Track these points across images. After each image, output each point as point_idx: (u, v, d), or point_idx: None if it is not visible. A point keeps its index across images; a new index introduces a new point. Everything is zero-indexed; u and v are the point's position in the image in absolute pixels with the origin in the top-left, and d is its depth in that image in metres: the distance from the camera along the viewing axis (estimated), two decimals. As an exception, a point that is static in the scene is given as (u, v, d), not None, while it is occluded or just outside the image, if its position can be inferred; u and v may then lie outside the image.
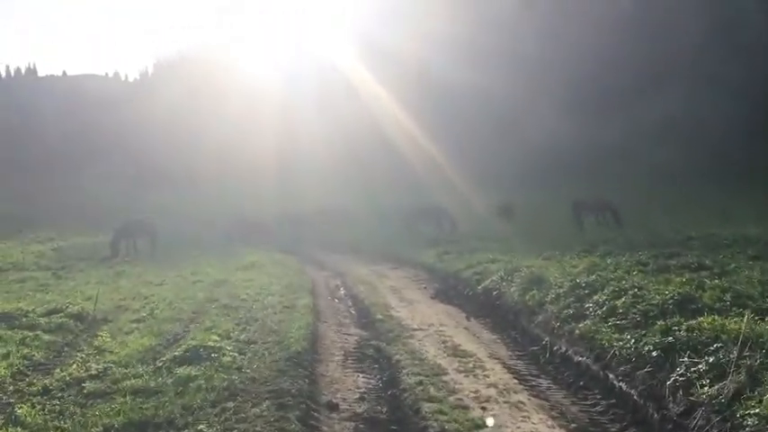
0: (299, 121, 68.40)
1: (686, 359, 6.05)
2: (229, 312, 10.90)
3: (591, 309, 8.47)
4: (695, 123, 65.00)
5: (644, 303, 7.65)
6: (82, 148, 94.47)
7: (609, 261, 11.39)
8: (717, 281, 8.51)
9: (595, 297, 8.70)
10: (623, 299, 8.09)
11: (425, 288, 14.47)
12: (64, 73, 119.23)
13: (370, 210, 38.23)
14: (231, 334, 8.87)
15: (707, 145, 60.77)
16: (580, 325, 8.19)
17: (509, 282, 11.69)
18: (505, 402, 6.30)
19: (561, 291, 9.57)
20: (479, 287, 12.57)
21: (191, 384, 6.36)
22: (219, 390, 6.16)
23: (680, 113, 66.29)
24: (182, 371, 6.80)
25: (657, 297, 7.68)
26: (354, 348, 9.05)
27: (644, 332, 6.98)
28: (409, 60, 68.66)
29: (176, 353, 7.54)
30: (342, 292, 14.74)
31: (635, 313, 7.53)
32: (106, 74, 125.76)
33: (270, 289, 13.55)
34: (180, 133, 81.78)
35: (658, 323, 6.97)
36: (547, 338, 8.89)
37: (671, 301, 7.40)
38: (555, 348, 8.39)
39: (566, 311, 8.85)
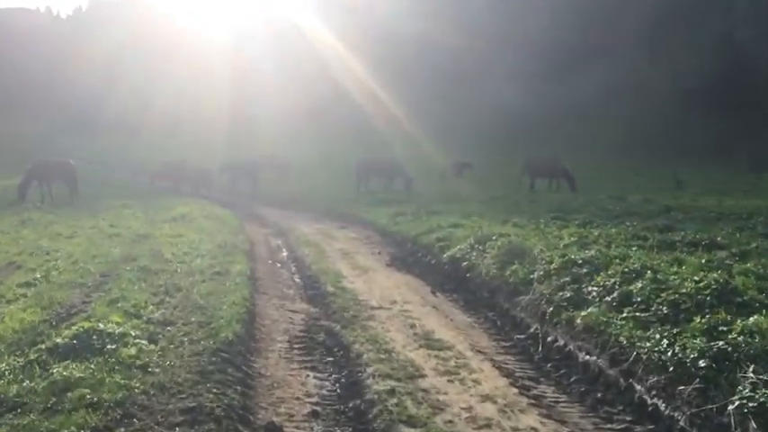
0: (253, 73, 65.22)
1: (751, 374, 4.53)
2: (147, 277, 8.90)
3: (595, 293, 6.91)
4: (642, 93, 65.38)
5: (670, 291, 6.11)
6: (4, 86, 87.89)
7: (596, 233, 9.89)
8: (744, 264, 7.10)
9: (598, 279, 7.14)
10: (639, 283, 6.55)
11: (379, 253, 12.74)
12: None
13: (320, 163, 36.20)
14: (143, 310, 6.91)
15: (651, 115, 61.29)
16: (582, 313, 6.62)
17: (481, 252, 10.07)
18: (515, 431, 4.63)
19: (551, 267, 7.98)
20: (444, 256, 10.91)
21: (69, 395, 4.44)
22: (108, 407, 4.26)
23: (626, 82, 66.54)
24: (60, 370, 4.85)
25: (687, 285, 6.14)
26: (301, 331, 7.26)
27: (677, 330, 5.44)
28: (367, 14, 66.03)
29: (60, 339, 5.56)
30: (284, 254, 12.87)
31: (660, 304, 5.98)
32: (37, 8, 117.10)
33: (200, 248, 11.54)
34: (120, 80, 76.83)
35: (696, 320, 5.44)
36: (536, 325, 7.32)
37: (707, 291, 5.87)
38: (549, 340, 6.83)
39: (560, 294, 7.28)
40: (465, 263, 10.13)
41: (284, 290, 9.48)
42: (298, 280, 10.29)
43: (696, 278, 6.28)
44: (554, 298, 7.35)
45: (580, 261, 7.78)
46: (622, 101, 65.02)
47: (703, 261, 7.24)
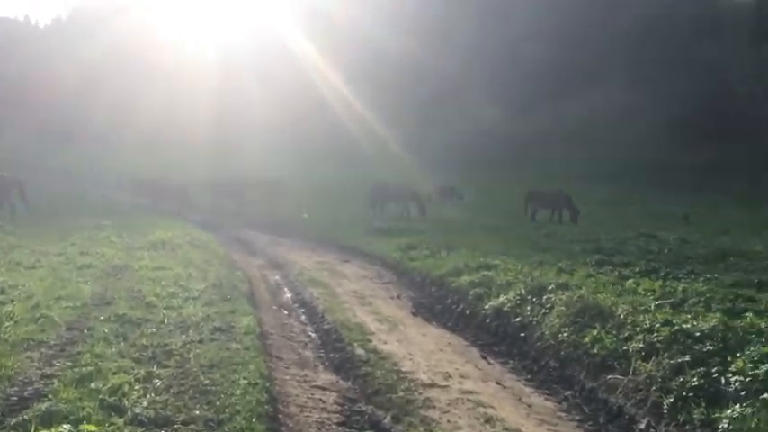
0: (237, 89, 63.33)
1: None
2: (127, 333, 6.97)
3: (739, 385, 5.17)
4: (627, 120, 64.98)
5: None
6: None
7: (679, 287, 8.18)
8: None
9: (738, 363, 5.39)
10: (813, 379, 4.82)
11: (399, 297, 10.92)
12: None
13: (305, 184, 34.28)
14: (125, 398, 4.98)
15: (624, 146, 60.75)
16: (727, 412, 4.89)
17: (537, 306, 8.31)
18: None
19: (655, 339, 6.23)
20: (487, 306, 9.12)
21: None
22: None
23: (611, 109, 66.21)
24: None
25: None
26: (339, 424, 5.38)
27: None
28: (353, 31, 64.90)
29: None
30: (288, 296, 10.94)
31: None
32: (16, 17, 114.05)
33: (189, 287, 9.59)
34: (100, 92, 74.26)
35: None
36: (647, 420, 5.55)
37: None
38: (681, 448, 5.06)
39: (680, 379, 5.53)
40: (517, 318, 8.35)
41: (301, 351, 7.58)
42: (313, 335, 8.39)
43: None
44: (671, 385, 5.59)
45: (698, 334, 6.04)
46: (607, 128, 64.55)
47: None
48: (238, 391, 5.29)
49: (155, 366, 5.90)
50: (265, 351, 6.92)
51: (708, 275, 9.21)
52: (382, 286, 11.86)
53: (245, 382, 5.50)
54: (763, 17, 69.50)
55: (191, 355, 6.29)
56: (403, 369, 6.74)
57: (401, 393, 6.02)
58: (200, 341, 6.80)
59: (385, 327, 8.63)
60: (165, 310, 8.13)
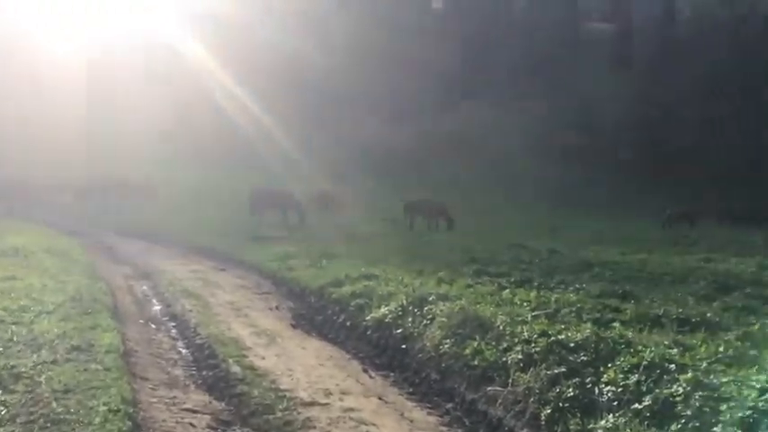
0: (120, 91, 59.40)
1: None
2: (-34, 355, 6.14)
3: (611, 395, 5.33)
4: (488, 139, 68.16)
5: (732, 405, 4.63)
6: None
7: (552, 298, 8.44)
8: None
9: (609, 374, 5.56)
10: (678, 387, 5.04)
11: (277, 308, 10.54)
12: None
13: (191, 189, 32.74)
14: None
15: (495, 160, 63.80)
16: (602, 423, 5.02)
17: (418, 317, 8.26)
18: None
19: (533, 350, 6.33)
20: (368, 318, 8.97)
21: None
22: None
23: (476, 128, 69.16)
24: None
25: (746, 393, 4.71)
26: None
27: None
28: (245, 30, 63.18)
29: None
30: (157, 308, 10.24)
31: (727, 425, 4.48)
32: None
33: (44, 301, 8.72)
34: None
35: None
36: (525, 431, 5.61)
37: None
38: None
39: (556, 390, 5.63)
40: (399, 330, 8.27)
41: (170, 369, 7.03)
42: (184, 351, 7.84)
43: (753, 383, 4.88)
44: (548, 396, 5.68)
45: (572, 345, 6.20)
46: (479, 141, 67.23)
47: (721, 349, 5.93)
48: (97, 420, 4.75)
49: (0, 392, 5.21)
50: (129, 371, 6.35)
51: (577, 285, 9.60)
52: (260, 297, 11.42)
53: (105, 408, 4.96)
54: (622, 43, 75.56)
55: (42, 378, 5.63)
56: (282, 386, 6.41)
57: (279, 414, 5.70)
58: (54, 362, 6.11)
59: (263, 341, 8.25)
60: (13, 327, 7.31)
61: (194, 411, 5.79)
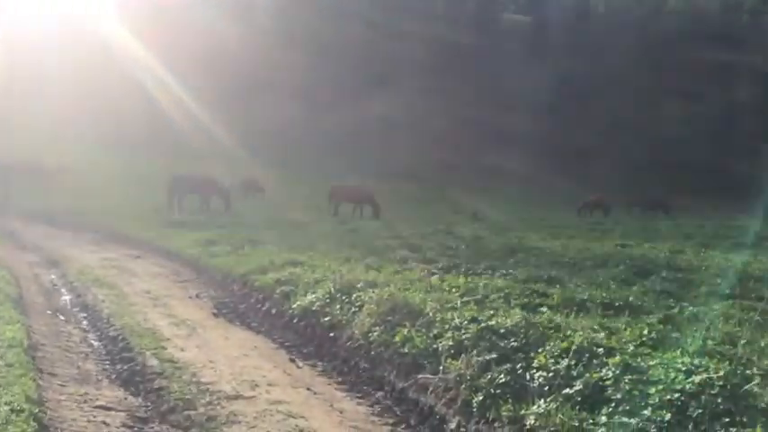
0: (42, 77, 55.81)
1: None
2: None
3: (543, 380, 5.31)
4: (423, 124, 68.78)
5: (660, 388, 4.68)
6: None
7: (481, 284, 8.42)
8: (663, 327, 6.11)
9: (539, 358, 5.55)
10: (608, 371, 5.07)
11: (198, 296, 10.11)
12: None
13: (114, 173, 31.17)
14: None
15: (418, 147, 64.53)
16: (533, 408, 5.00)
17: (347, 304, 8.07)
18: None
19: (463, 336, 6.27)
20: (294, 306, 8.70)
21: None
22: None
23: (400, 116, 69.65)
24: None
25: (674, 376, 4.78)
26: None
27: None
28: (172, 12, 60.83)
29: None
30: (66, 298, 9.61)
31: (654, 407, 4.52)
32: None
33: (-63, 291, 7.97)
34: None
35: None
36: (458, 419, 5.54)
37: (714, 390, 4.53)
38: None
39: (488, 376, 5.57)
40: (326, 318, 8.04)
41: (81, 364, 6.55)
42: (97, 344, 7.34)
43: (679, 365, 4.96)
44: (479, 383, 5.61)
45: (502, 331, 6.16)
46: (403, 129, 67.64)
47: (645, 332, 6.04)
48: (-4, 422, 4.31)
49: None
50: (35, 367, 5.85)
51: (503, 271, 9.65)
52: (179, 285, 10.93)
53: (7, 408, 4.51)
54: (538, 35, 77.71)
55: (-68, 377, 5.07)
56: (203, 380, 6.07)
57: (201, 409, 5.37)
58: (-52, 358, 5.55)
59: (182, 331, 7.84)
60: None
61: (108, 409, 5.38)
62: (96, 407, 5.38)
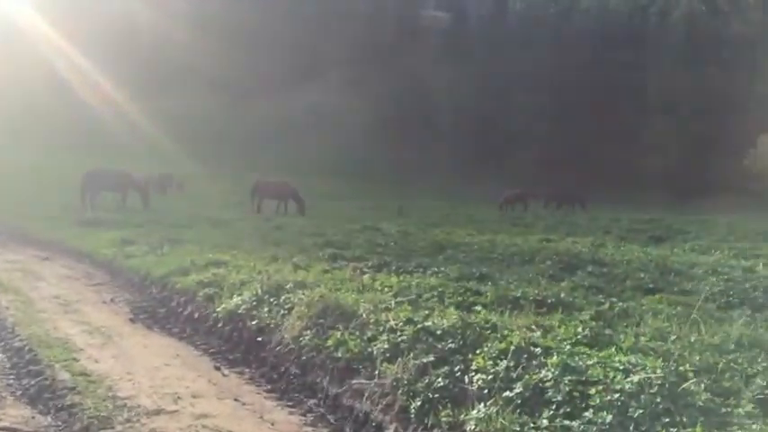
0: None
1: None
2: None
3: (482, 383, 5.19)
4: (347, 118, 68.55)
5: (600, 388, 4.64)
6: None
7: (414, 282, 8.27)
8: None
9: (478, 360, 5.41)
10: (547, 372, 4.99)
11: (113, 301, 9.51)
12: None
13: (24, 168, 29.19)
14: None
15: (339, 142, 64.42)
16: (473, 413, 4.87)
17: (276, 307, 7.73)
18: None
19: (399, 339, 6.08)
20: (218, 309, 8.27)
21: None
22: None
23: (333, 106, 69.33)
24: None
25: (613, 376, 4.75)
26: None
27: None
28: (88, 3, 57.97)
29: None
30: (-35, 305, 8.77)
31: (596, 409, 4.47)
32: None
33: None
34: None
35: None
36: (395, 426, 5.35)
37: (654, 389, 4.52)
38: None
39: (425, 380, 5.41)
40: (254, 321, 7.68)
41: (-19, 380, 5.94)
42: (0, 357, 6.71)
43: (617, 364, 4.95)
44: (417, 387, 5.44)
45: (439, 332, 6.01)
46: (323, 124, 67.21)
47: (580, 330, 6.04)
48: None
49: None
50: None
51: (435, 268, 9.54)
52: (92, 289, 10.24)
53: None
54: (457, 32, 78.83)
55: None
56: (121, 394, 5.62)
57: (119, 427, 4.95)
58: None
59: (97, 340, 7.29)
60: None
61: (13, 430, 4.88)
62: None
